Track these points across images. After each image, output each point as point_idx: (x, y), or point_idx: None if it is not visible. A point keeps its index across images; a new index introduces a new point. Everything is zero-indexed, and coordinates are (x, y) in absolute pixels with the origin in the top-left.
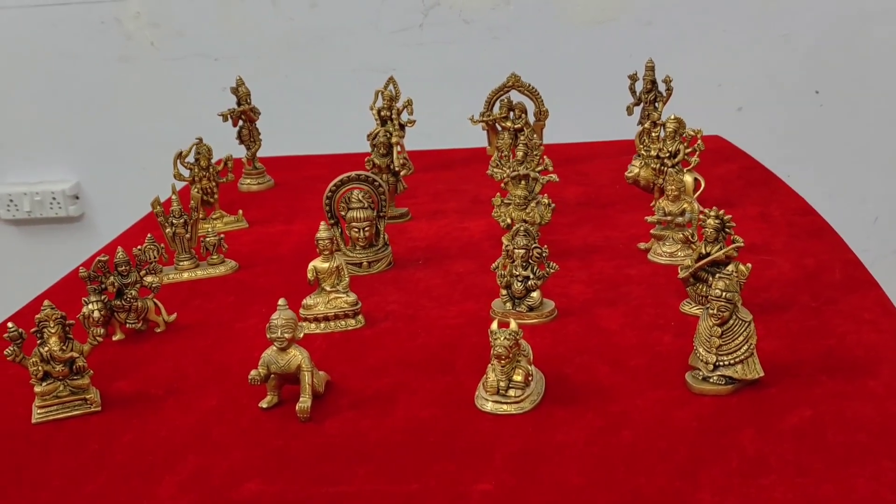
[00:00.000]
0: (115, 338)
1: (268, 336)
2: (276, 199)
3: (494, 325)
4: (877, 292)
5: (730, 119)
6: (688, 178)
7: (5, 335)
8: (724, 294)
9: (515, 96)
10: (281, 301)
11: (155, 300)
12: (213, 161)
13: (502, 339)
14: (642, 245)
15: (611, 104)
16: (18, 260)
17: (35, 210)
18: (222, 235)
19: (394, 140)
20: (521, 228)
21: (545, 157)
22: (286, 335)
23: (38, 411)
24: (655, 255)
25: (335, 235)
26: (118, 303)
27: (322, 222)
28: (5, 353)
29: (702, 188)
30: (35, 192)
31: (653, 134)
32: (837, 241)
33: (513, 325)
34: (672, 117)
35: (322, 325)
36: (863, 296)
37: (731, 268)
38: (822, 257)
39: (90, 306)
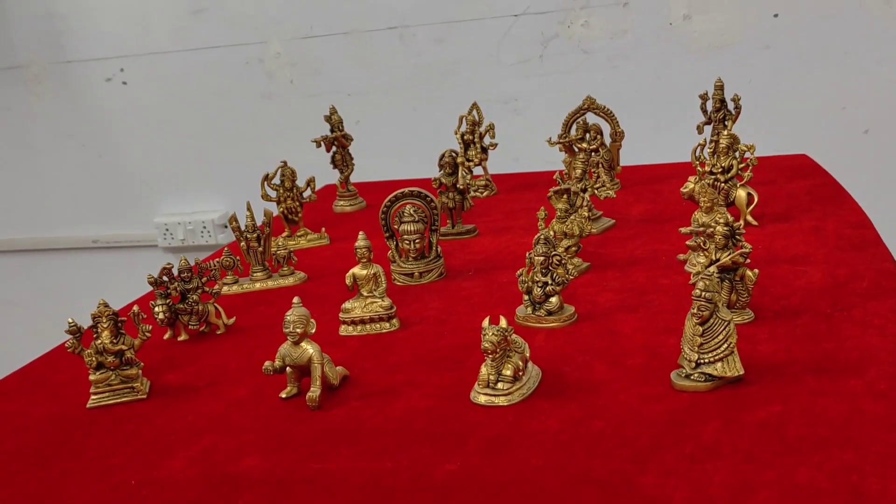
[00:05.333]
0: (180, 338)
1: (283, 331)
2: (364, 219)
3: (485, 322)
4: None
5: (857, 141)
6: (741, 193)
7: (65, 329)
8: (703, 294)
9: (591, 118)
10: (295, 299)
11: (215, 304)
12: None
13: (490, 334)
14: (681, 256)
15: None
16: None
17: (188, 238)
18: (291, 249)
19: (459, 160)
20: (542, 237)
21: (603, 174)
22: (298, 330)
23: (93, 397)
24: (692, 265)
25: (392, 247)
26: (181, 306)
27: (361, 232)
28: (66, 345)
29: (755, 203)
30: (188, 221)
31: (707, 150)
32: (881, 253)
33: (502, 322)
34: (726, 133)
35: (358, 327)
36: (881, 303)
37: (711, 269)
38: (857, 268)
39: (156, 308)
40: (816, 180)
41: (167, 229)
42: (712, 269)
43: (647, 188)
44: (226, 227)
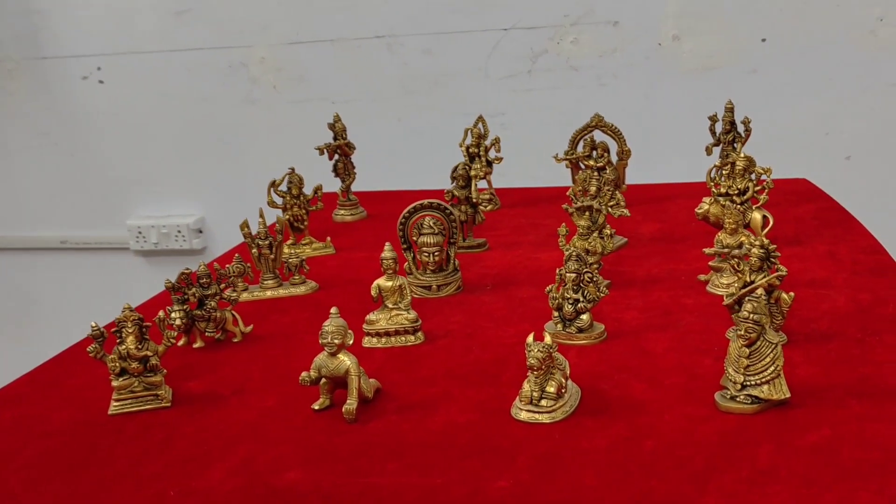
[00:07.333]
0: (195, 345)
1: (320, 341)
2: (366, 229)
3: (530, 338)
4: None
5: (838, 167)
6: (756, 215)
7: (89, 333)
8: (751, 316)
9: (599, 136)
10: (333, 309)
11: (233, 312)
12: (305, 190)
13: (536, 351)
14: (702, 277)
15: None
16: (144, 288)
17: (161, 242)
18: (303, 258)
19: (472, 173)
20: (574, 254)
21: (618, 192)
22: (336, 341)
23: (114, 404)
24: (714, 286)
25: (409, 259)
26: (199, 312)
27: (387, 243)
28: (88, 349)
29: (770, 225)
30: (162, 225)
31: (724, 171)
32: None
33: (547, 338)
34: (742, 155)
35: (383, 339)
36: None
37: (759, 291)
38: (879, 293)
39: (173, 314)
40: (821, 204)
41: (140, 232)
42: (760, 291)
43: (652, 207)
44: (201, 231)
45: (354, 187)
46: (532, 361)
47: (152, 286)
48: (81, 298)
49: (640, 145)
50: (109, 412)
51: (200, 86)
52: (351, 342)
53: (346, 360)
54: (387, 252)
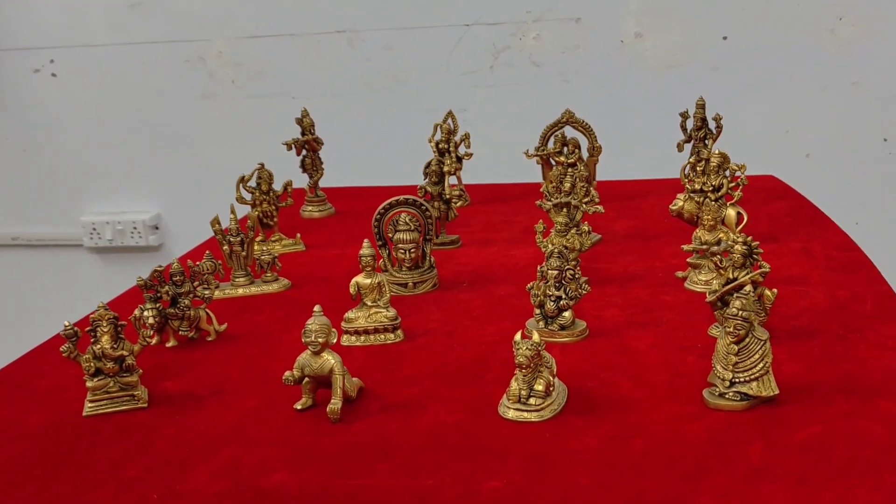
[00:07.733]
0: (168, 344)
1: (303, 340)
2: (335, 226)
3: (518, 336)
4: None
5: (798, 165)
6: (731, 212)
7: (62, 332)
8: (740, 313)
9: (570, 132)
10: (316, 308)
11: (207, 310)
12: (275, 186)
13: (524, 349)
14: (680, 273)
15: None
16: (99, 286)
17: (116, 239)
18: (276, 255)
19: (446, 169)
20: (556, 251)
21: (592, 189)
22: (320, 339)
23: (89, 405)
24: (692, 283)
25: (384, 256)
26: (172, 311)
27: (365, 240)
28: (61, 349)
29: (744, 222)
30: (117, 221)
31: (697, 168)
32: (874, 276)
33: (535, 336)
34: (716, 152)
35: (362, 337)
36: (891, 326)
37: (748, 288)
38: (856, 290)
39: (146, 313)
40: (791, 202)
41: (94, 229)
42: (748, 287)
43: (623, 204)
44: (157, 228)
45: (320, 183)
46: (520, 359)
47: (107, 283)
48: (35, 296)
49: (602, 142)
50: (84, 413)
51: (156, 80)
52: (335, 341)
53: (330, 359)
54: (365, 249)
